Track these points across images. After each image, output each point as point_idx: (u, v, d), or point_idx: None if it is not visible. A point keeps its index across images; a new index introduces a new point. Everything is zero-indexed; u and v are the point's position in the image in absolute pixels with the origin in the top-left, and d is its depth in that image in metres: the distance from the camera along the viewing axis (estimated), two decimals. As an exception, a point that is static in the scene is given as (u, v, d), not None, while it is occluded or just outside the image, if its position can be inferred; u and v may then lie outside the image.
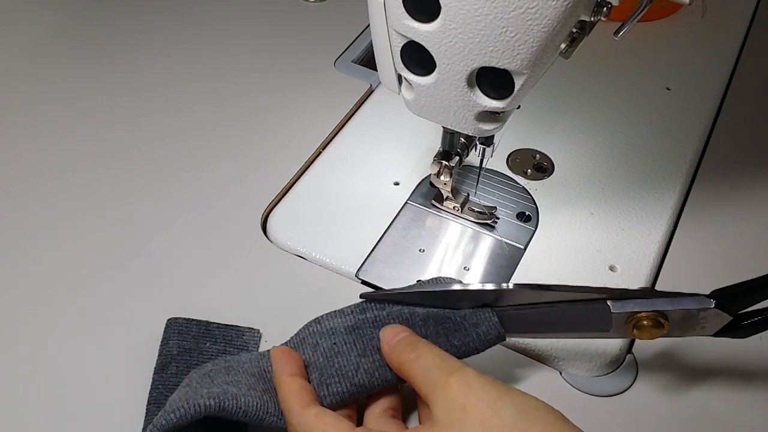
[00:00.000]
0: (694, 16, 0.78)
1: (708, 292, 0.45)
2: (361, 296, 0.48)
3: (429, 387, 0.41)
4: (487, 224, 0.59)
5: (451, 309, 0.47)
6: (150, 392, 0.47)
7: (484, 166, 0.57)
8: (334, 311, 0.48)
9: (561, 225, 0.59)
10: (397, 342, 0.44)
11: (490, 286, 0.46)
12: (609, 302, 0.45)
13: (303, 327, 0.47)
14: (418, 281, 0.55)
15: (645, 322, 0.44)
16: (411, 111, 0.51)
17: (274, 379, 0.44)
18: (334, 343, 0.45)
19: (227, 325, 0.51)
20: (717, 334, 0.46)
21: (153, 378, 0.48)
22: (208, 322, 0.51)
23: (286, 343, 0.47)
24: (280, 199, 0.61)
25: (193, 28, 0.76)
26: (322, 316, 0.47)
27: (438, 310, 0.47)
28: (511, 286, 0.46)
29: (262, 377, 0.45)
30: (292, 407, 0.42)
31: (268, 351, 0.47)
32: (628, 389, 0.50)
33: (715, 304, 0.44)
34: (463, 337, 0.46)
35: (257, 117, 0.67)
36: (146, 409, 0.47)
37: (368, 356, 0.45)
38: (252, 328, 0.51)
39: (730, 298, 0.45)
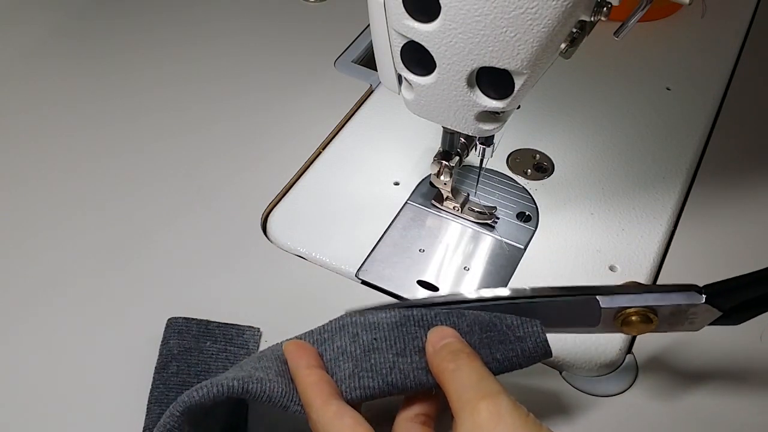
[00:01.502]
0: (694, 16, 0.78)
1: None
2: (346, 313, 0.46)
3: (460, 405, 0.40)
4: (487, 224, 0.59)
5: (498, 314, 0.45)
6: (151, 391, 0.48)
7: (484, 166, 0.57)
8: (380, 306, 0.46)
9: (561, 225, 0.59)
10: (442, 347, 0.42)
11: (472, 295, 0.45)
12: (598, 297, 0.44)
13: (344, 314, 0.46)
14: (417, 279, 0.55)
15: (634, 318, 0.44)
16: (411, 111, 0.51)
17: (291, 372, 0.43)
18: (374, 339, 0.44)
19: (227, 324, 0.51)
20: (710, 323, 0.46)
21: (153, 377, 0.48)
22: (208, 321, 0.51)
23: (323, 326, 0.46)
24: (280, 199, 0.61)
25: (193, 28, 0.76)
26: (366, 309, 0.46)
27: (485, 314, 0.45)
28: (488, 294, 0.45)
29: None
30: (312, 401, 0.41)
31: None
32: (628, 389, 0.50)
33: (705, 299, 0.44)
34: (506, 351, 0.44)
35: (257, 117, 0.67)
36: (147, 408, 0.47)
37: (406, 356, 0.43)
38: (252, 327, 0.51)
39: (721, 293, 0.44)
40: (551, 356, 0.45)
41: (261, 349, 0.51)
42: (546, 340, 0.44)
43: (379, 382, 0.42)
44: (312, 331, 0.46)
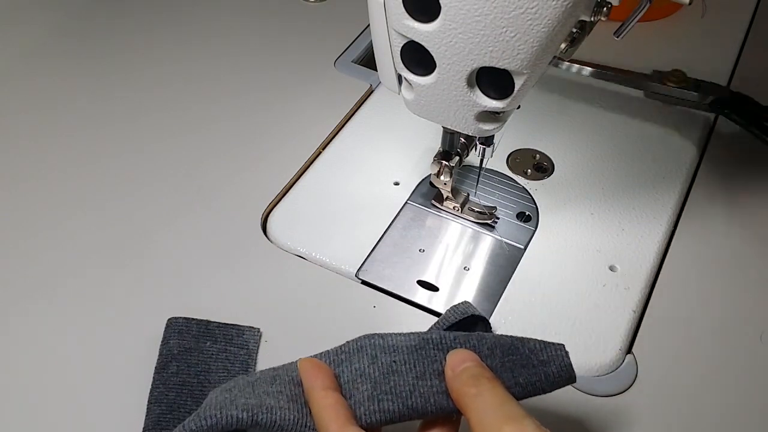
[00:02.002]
0: (694, 16, 0.78)
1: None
2: (363, 335, 0.45)
3: (482, 429, 0.38)
4: (487, 224, 0.59)
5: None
6: (150, 391, 0.48)
7: (484, 166, 0.57)
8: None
9: (561, 225, 0.59)
10: (462, 370, 0.41)
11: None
12: None
13: (363, 336, 0.44)
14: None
15: None
16: (411, 111, 0.51)
17: (305, 392, 0.42)
18: (394, 361, 0.43)
19: (227, 324, 0.51)
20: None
21: (153, 377, 0.48)
22: (208, 322, 0.51)
23: (341, 346, 0.44)
24: (280, 199, 0.61)
25: (193, 28, 0.76)
26: (385, 333, 0.45)
27: (506, 337, 0.44)
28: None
29: None
30: (328, 425, 0.40)
31: None
32: (628, 389, 0.50)
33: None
34: (529, 375, 0.42)
35: (257, 117, 0.67)
36: (147, 408, 0.47)
37: (426, 380, 0.42)
38: (252, 327, 0.51)
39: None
40: (575, 381, 0.43)
41: (260, 348, 0.51)
42: (570, 365, 0.43)
43: (399, 405, 0.41)
44: (328, 351, 0.44)
